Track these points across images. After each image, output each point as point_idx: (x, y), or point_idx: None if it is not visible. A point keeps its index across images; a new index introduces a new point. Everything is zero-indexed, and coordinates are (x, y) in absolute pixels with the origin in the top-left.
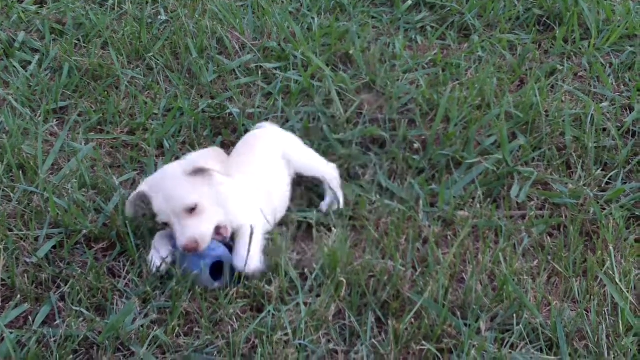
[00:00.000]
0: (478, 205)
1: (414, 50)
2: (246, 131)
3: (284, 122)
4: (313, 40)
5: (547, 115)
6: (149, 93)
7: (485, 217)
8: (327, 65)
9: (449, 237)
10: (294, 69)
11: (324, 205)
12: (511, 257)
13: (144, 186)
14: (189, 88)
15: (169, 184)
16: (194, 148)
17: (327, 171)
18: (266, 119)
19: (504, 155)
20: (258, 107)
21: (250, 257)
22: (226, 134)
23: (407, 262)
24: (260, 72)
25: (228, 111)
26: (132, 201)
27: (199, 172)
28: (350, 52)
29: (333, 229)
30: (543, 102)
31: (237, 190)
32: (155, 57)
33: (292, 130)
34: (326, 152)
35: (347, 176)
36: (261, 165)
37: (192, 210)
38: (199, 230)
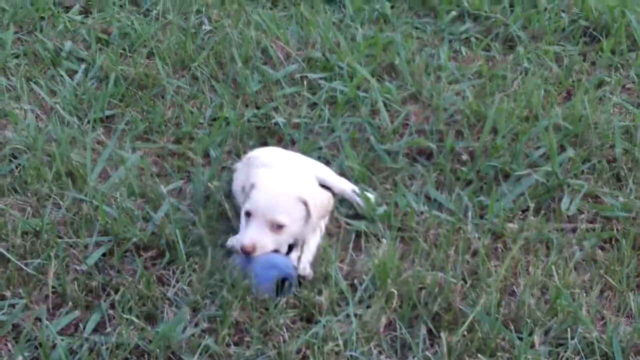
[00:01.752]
0: (529, 217)
1: (459, 61)
2: (292, 141)
3: (329, 133)
4: (358, 51)
5: (596, 128)
6: (194, 102)
7: (536, 230)
8: (372, 76)
9: (499, 250)
10: (339, 79)
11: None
12: (563, 270)
13: (254, 178)
14: (235, 98)
15: (277, 193)
16: (239, 157)
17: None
18: (311, 130)
19: (554, 167)
20: (304, 117)
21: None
22: (272, 143)
23: (458, 274)
24: (305, 82)
25: (274, 121)
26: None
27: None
28: (396, 62)
29: (382, 239)
30: (592, 113)
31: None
32: (200, 67)
33: (339, 140)
34: (373, 164)
35: (395, 187)
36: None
37: (277, 226)
38: (266, 244)
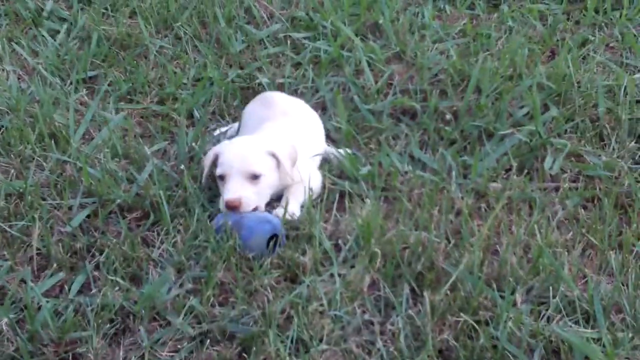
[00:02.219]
0: (512, 177)
1: (443, 20)
2: None
3: (313, 93)
4: (342, 10)
5: (580, 87)
6: (177, 63)
7: (519, 189)
8: (356, 35)
9: (482, 209)
10: (323, 39)
11: None
12: (546, 229)
13: (217, 149)
14: (218, 58)
15: (246, 149)
16: (223, 118)
17: None
18: (296, 90)
19: (537, 126)
20: (287, 77)
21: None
22: None
23: (441, 234)
24: (289, 42)
25: (257, 81)
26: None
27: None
28: (380, 21)
29: (366, 199)
30: (575, 72)
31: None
32: (183, 27)
33: (323, 100)
34: (357, 123)
35: (379, 146)
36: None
37: (254, 177)
38: (249, 195)
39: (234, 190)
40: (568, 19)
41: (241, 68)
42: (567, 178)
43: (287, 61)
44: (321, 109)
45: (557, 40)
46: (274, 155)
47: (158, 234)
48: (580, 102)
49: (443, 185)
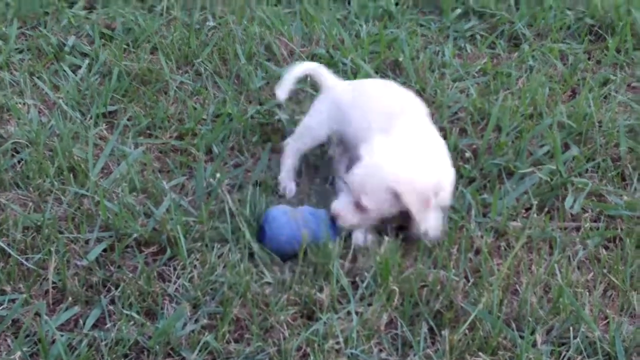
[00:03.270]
0: (532, 216)
1: (464, 58)
2: None
3: None
4: (362, 48)
5: (601, 126)
6: (197, 98)
7: (539, 228)
8: (377, 73)
9: (501, 248)
10: (343, 76)
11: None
12: (566, 269)
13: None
14: (238, 94)
15: (368, 175)
16: (242, 154)
17: None
18: None
19: (558, 165)
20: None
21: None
22: (275, 140)
23: (460, 272)
24: (308, 79)
25: (277, 117)
26: None
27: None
28: (400, 59)
29: (384, 236)
30: (596, 112)
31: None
32: (203, 63)
33: None
34: None
35: None
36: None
37: (361, 206)
38: (350, 219)
39: (338, 206)
40: (589, 59)
41: (261, 104)
42: (588, 218)
43: (307, 98)
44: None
45: (578, 80)
46: (395, 194)
47: (174, 269)
48: (601, 141)
49: (462, 223)
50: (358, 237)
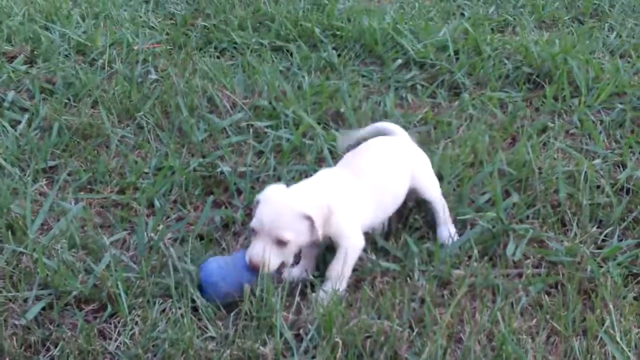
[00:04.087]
0: (474, 264)
1: (405, 108)
2: (238, 190)
3: (275, 181)
4: (304, 99)
5: (541, 173)
6: (139, 152)
7: (482, 276)
8: (319, 124)
9: (445, 296)
10: (285, 128)
11: (443, 238)
12: (509, 316)
13: (261, 195)
14: (180, 147)
15: (279, 210)
16: (184, 207)
17: (441, 201)
18: (257, 178)
19: (499, 212)
20: (249, 166)
21: (343, 277)
22: (218, 192)
23: (404, 322)
24: (251, 131)
25: (219, 170)
26: None
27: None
28: (342, 110)
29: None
30: (536, 159)
31: (346, 203)
32: (145, 116)
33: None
34: None
35: None
36: (385, 169)
37: (281, 242)
38: (273, 261)
39: (258, 251)
40: (528, 106)
41: (203, 157)
42: (530, 264)
43: (249, 150)
44: None
45: (517, 127)
46: (309, 218)
47: (115, 326)
48: (541, 188)
49: (406, 272)
50: (294, 273)
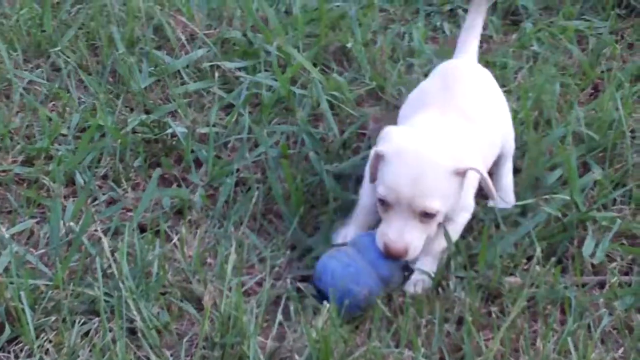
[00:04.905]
0: (536, 268)
1: (440, 43)
2: (196, 161)
3: (251, 147)
4: (294, 29)
5: (634, 137)
6: (54, 105)
7: (547, 286)
8: (315, 65)
9: (493, 315)
10: (265, 70)
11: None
12: (585, 344)
13: (384, 148)
14: (114, 98)
15: (425, 170)
16: (119, 185)
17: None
18: (225, 144)
19: (573, 195)
20: (214, 126)
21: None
22: (167, 164)
23: (433, 352)
24: (217, 75)
25: (170, 131)
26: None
27: (463, 173)
28: (348, 45)
29: (323, 302)
30: (628, 117)
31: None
32: (64, 53)
33: (265, 158)
34: (314, 193)
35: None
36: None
37: (427, 215)
38: (417, 243)
39: (399, 231)
40: (617, 41)
41: (147, 112)
42: (617, 269)
43: (214, 102)
44: (261, 172)
45: (602, 72)
46: (462, 175)
47: (16, 356)
48: (634, 159)
49: (437, 280)
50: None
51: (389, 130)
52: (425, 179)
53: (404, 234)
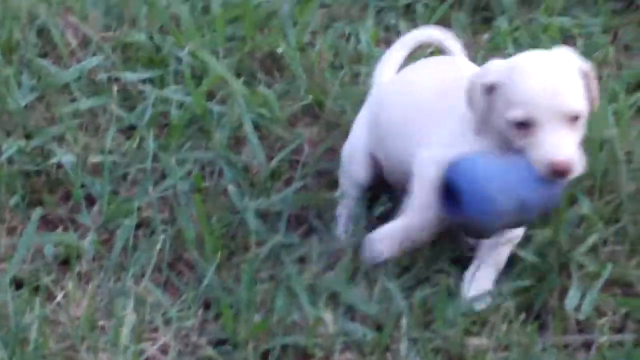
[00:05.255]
0: (507, 326)
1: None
2: (88, 198)
3: (157, 179)
4: (213, 31)
5: (631, 161)
6: None
7: (520, 348)
8: (238, 76)
9: None
10: (176, 83)
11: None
12: None
13: (498, 74)
14: None
15: (559, 71)
16: None
17: None
18: (124, 175)
19: (556, 232)
20: (110, 153)
21: None
22: (51, 202)
23: None
24: (115, 89)
25: (55, 160)
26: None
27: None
28: (279, 50)
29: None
30: (623, 137)
31: None
32: None
33: (173, 192)
34: (234, 235)
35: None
36: None
37: (574, 119)
38: (576, 155)
39: (562, 145)
40: (611, 42)
41: (27, 137)
42: (608, 325)
43: (111, 123)
44: (169, 210)
45: None
46: (586, 75)
47: None
48: (630, 188)
49: (384, 344)
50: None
51: (487, 66)
52: (563, 79)
53: (566, 146)
